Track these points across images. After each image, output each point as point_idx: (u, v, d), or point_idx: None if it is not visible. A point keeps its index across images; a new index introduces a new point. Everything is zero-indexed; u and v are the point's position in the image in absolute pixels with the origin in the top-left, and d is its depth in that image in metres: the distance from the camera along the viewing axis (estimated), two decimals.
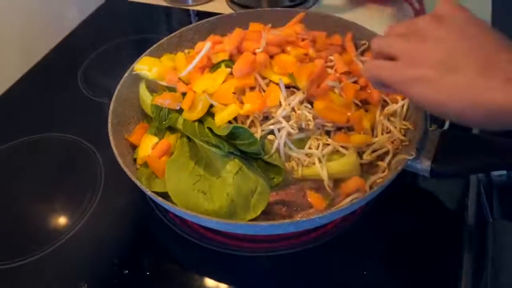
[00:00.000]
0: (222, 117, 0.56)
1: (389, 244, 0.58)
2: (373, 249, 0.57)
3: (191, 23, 0.96)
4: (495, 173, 0.71)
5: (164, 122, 0.60)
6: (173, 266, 0.57)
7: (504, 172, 0.70)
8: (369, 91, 0.62)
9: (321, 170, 0.55)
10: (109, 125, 0.60)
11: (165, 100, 0.60)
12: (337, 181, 0.57)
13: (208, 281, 0.55)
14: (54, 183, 0.67)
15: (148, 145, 0.60)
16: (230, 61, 0.61)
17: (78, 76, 0.85)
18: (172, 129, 0.61)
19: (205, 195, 0.53)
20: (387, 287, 0.54)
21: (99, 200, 0.64)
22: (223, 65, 0.61)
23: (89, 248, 0.59)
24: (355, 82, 0.63)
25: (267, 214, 0.54)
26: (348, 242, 0.58)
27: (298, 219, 0.51)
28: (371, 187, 0.56)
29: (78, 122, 0.75)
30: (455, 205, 0.61)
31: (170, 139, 0.59)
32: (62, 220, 0.63)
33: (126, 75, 0.66)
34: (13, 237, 0.61)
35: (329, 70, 0.63)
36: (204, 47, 0.63)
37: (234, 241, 0.58)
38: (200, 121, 0.58)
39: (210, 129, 0.56)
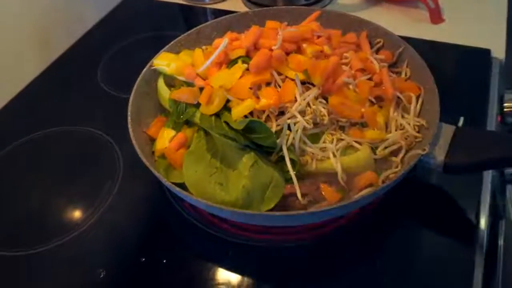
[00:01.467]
0: (238, 111, 0.57)
1: (401, 240, 0.58)
2: (385, 243, 0.58)
3: (207, 21, 0.98)
4: (508, 171, 0.71)
5: (181, 116, 0.61)
6: (188, 255, 0.58)
7: None
8: (383, 88, 0.63)
9: (335, 164, 0.56)
10: (129, 118, 0.61)
11: (183, 95, 0.61)
12: (350, 176, 0.57)
13: (222, 271, 0.56)
14: (74, 174, 0.69)
15: (166, 138, 0.61)
16: (247, 57, 0.63)
17: (98, 71, 0.87)
18: (189, 122, 0.62)
19: (222, 186, 0.54)
20: (398, 281, 0.55)
21: (117, 191, 0.66)
22: (240, 61, 0.62)
23: (107, 237, 0.61)
24: (369, 79, 0.64)
25: (281, 206, 0.55)
26: (360, 236, 0.59)
27: (312, 210, 0.52)
28: (384, 182, 0.56)
29: (97, 116, 0.77)
30: (468, 203, 0.61)
31: (187, 132, 0.61)
32: (81, 210, 0.65)
33: (145, 70, 0.68)
34: (34, 225, 0.63)
35: (344, 67, 0.64)
36: (222, 43, 0.64)
37: (249, 232, 0.59)
38: (217, 115, 0.59)
39: (227, 123, 0.58)
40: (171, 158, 0.59)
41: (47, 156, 0.73)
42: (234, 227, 0.60)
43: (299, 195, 0.55)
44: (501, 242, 0.67)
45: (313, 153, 0.58)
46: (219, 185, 0.54)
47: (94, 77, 0.85)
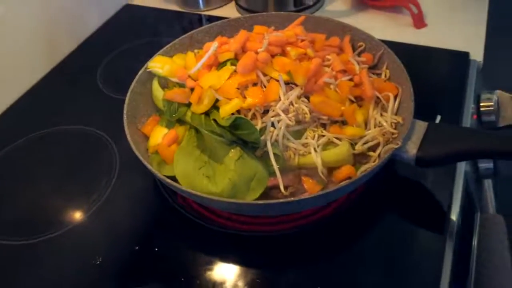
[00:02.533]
0: (226, 110, 0.61)
1: (378, 230, 0.62)
2: (363, 233, 0.62)
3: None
4: (482, 166, 0.75)
5: (174, 115, 0.66)
6: (179, 244, 0.62)
7: (491, 165, 0.74)
8: (363, 88, 0.67)
9: (316, 158, 0.60)
10: (124, 116, 0.65)
11: (175, 95, 0.66)
12: (330, 170, 0.62)
13: (210, 258, 0.60)
14: (73, 170, 0.74)
15: (159, 135, 0.66)
16: (235, 60, 0.67)
17: (97, 75, 0.91)
18: (181, 121, 0.66)
19: (209, 179, 0.58)
20: (369, 274, 0.58)
21: (114, 186, 0.70)
22: (228, 63, 0.67)
23: (104, 228, 0.65)
24: (350, 79, 0.68)
25: (265, 198, 0.59)
26: (341, 226, 0.62)
27: (292, 199, 0.56)
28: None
29: (96, 116, 0.82)
30: (441, 197, 0.65)
31: (179, 130, 0.65)
32: (80, 203, 0.68)
33: (140, 72, 0.72)
34: (35, 217, 0.68)
35: (326, 69, 0.68)
36: (212, 47, 0.68)
37: (237, 223, 0.63)
38: (207, 113, 0.64)
39: (215, 121, 0.62)
40: (163, 154, 0.63)
41: (48, 153, 0.77)
42: (221, 218, 0.64)
43: (281, 187, 0.59)
44: (474, 235, 0.71)
45: (295, 149, 0.62)
46: (206, 178, 0.58)
47: (94, 80, 0.90)
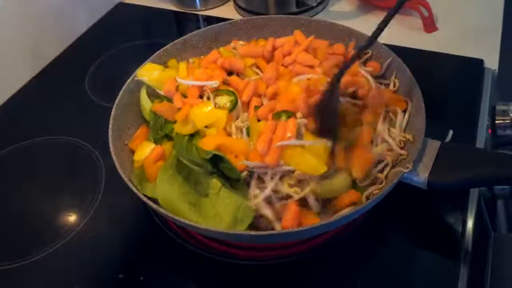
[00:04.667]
0: (206, 143, 0.56)
1: (384, 259, 0.57)
2: (367, 262, 0.57)
3: (199, 27, 0.97)
4: (497, 187, 0.70)
5: (160, 132, 0.61)
6: (167, 271, 0.57)
7: (507, 186, 0.69)
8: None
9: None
10: (110, 131, 0.60)
11: (163, 109, 0.61)
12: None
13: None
14: (56, 186, 0.69)
15: (146, 150, 0.61)
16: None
17: (86, 80, 0.86)
18: (169, 137, 0.62)
19: (194, 208, 0.53)
20: None
21: (99, 205, 0.65)
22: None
23: (87, 251, 0.61)
24: (354, 92, 0.63)
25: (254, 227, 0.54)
26: (342, 254, 0.58)
27: (281, 231, 0.51)
28: (368, 198, 0.55)
29: (83, 126, 0.77)
30: (454, 219, 0.60)
31: (167, 146, 0.60)
32: (61, 223, 0.64)
33: (128, 81, 0.67)
34: (12, 239, 0.63)
35: None
36: (212, 82, 0.63)
37: (231, 248, 0.58)
38: (192, 135, 0.59)
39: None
40: (148, 170, 0.58)
41: (30, 167, 0.72)
42: (215, 242, 0.59)
43: (276, 225, 0.53)
44: (489, 258, 0.66)
45: None
46: (192, 206, 0.53)
47: (82, 86, 0.85)
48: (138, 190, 0.55)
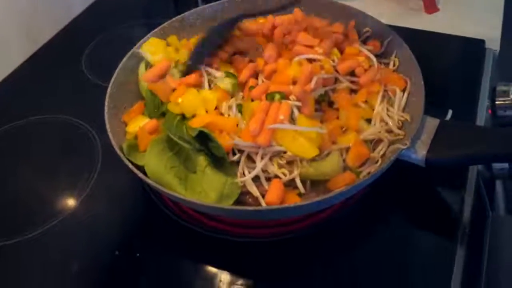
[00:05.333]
0: (194, 121, 0.56)
1: (381, 238, 0.57)
2: (364, 241, 0.57)
3: (197, 5, 0.96)
4: (496, 166, 0.70)
5: (156, 111, 0.61)
6: (164, 249, 0.57)
7: (506, 165, 0.68)
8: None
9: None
10: (106, 108, 0.60)
11: (159, 89, 0.61)
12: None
13: (199, 266, 0.55)
14: (53, 164, 0.69)
15: (140, 123, 0.60)
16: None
17: (82, 60, 0.85)
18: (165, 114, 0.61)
19: (180, 181, 0.53)
20: (377, 280, 0.53)
21: (95, 183, 0.65)
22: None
23: (83, 229, 0.60)
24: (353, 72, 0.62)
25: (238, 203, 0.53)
26: (338, 233, 0.57)
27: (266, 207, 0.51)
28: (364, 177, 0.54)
29: (79, 105, 0.76)
30: (452, 198, 0.59)
31: (162, 121, 0.59)
32: (57, 202, 0.64)
33: (124, 59, 0.66)
34: (8, 215, 0.63)
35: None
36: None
37: (226, 225, 0.58)
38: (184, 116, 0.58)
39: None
40: (141, 140, 0.57)
41: (26, 146, 0.72)
42: (213, 221, 0.58)
43: (262, 201, 0.53)
44: (486, 238, 0.66)
45: None
46: (178, 179, 0.53)
47: (78, 65, 0.84)
48: (129, 161, 0.55)
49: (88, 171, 0.66)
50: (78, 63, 0.85)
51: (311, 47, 0.64)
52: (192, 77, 0.61)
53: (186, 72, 0.62)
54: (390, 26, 0.82)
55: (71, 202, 0.63)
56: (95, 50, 0.88)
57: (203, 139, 0.55)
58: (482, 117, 0.69)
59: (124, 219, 0.61)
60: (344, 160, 0.55)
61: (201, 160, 0.54)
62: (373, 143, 0.57)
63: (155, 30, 0.71)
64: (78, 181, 0.65)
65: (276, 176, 0.53)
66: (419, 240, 0.56)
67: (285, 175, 0.53)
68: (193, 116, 0.58)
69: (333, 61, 0.62)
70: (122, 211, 0.62)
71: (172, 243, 0.58)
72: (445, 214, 0.58)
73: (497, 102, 0.72)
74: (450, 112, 0.61)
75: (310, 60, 0.62)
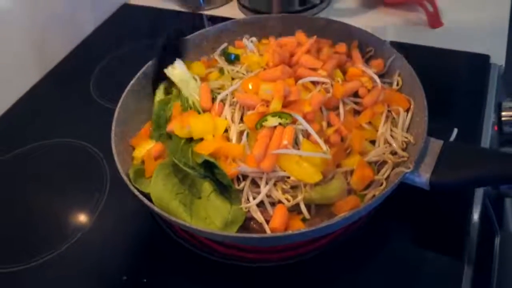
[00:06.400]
0: (202, 146, 0.56)
1: (388, 260, 0.57)
2: (371, 263, 0.57)
3: (204, 27, 0.97)
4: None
5: (161, 129, 0.62)
6: (171, 274, 0.58)
7: None
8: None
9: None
10: (112, 133, 0.61)
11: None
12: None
13: None
14: (61, 188, 0.70)
15: (146, 147, 0.61)
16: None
17: (91, 82, 0.87)
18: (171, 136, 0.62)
19: (185, 207, 0.53)
20: None
21: (103, 208, 0.66)
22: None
23: (91, 254, 0.61)
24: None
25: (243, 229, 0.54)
26: (345, 255, 0.57)
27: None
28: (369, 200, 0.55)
29: (88, 129, 0.77)
30: (459, 218, 0.59)
31: (168, 144, 0.61)
32: (66, 226, 0.64)
33: (131, 84, 0.67)
34: (17, 241, 0.64)
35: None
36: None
37: (235, 250, 0.58)
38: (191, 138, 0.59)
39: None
40: (147, 165, 0.58)
41: (36, 170, 0.73)
42: (221, 246, 0.59)
43: (266, 227, 0.53)
44: (495, 257, 0.65)
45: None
46: (183, 206, 0.53)
47: (87, 88, 0.85)
48: (135, 187, 0.55)
49: (96, 195, 0.67)
50: (87, 84, 0.86)
51: (314, 69, 0.64)
52: None
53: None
54: (394, 42, 0.82)
55: (79, 227, 0.64)
56: (104, 71, 0.89)
57: (208, 165, 0.55)
58: (487, 133, 0.68)
59: (132, 243, 0.62)
60: (348, 183, 0.55)
61: (206, 186, 0.54)
62: (378, 164, 0.57)
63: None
64: (86, 206, 0.66)
65: (280, 201, 0.54)
66: (426, 261, 0.56)
67: (288, 200, 0.53)
68: (200, 139, 0.58)
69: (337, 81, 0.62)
70: (129, 236, 0.63)
71: (179, 268, 0.58)
72: (452, 235, 0.58)
73: (503, 118, 0.72)
74: (455, 131, 0.60)
75: (314, 83, 0.62)
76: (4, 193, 0.71)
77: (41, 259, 0.61)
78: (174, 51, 0.71)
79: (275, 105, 0.56)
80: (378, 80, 0.64)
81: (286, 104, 0.58)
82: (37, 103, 0.85)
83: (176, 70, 0.68)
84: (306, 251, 0.57)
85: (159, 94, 0.69)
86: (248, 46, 0.72)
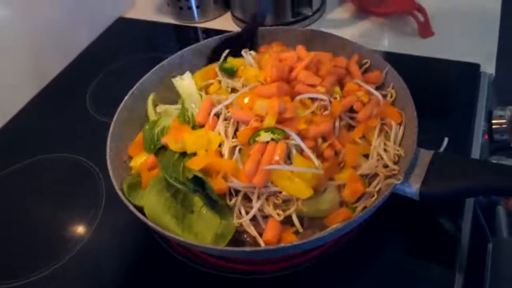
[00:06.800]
0: (194, 162, 0.57)
1: (379, 269, 0.57)
2: (362, 273, 0.57)
3: (198, 40, 0.98)
4: None
5: (152, 147, 0.63)
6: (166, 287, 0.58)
7: None
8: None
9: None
10: (108, 149, 0.61)
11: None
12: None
13: None
14: (58, 203, 0.70)
15: (143, 157, 0.63)
16: None
17: (87, 96, 0.88)
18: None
19: (177, 221, 0.54)
20: None
21: (99, 222, 0.66)
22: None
23: (87, 270, 0.62)
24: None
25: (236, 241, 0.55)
26: (337, 265, 0.58)
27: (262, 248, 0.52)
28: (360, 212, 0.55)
29: (84, 143, 0.78)
30: (449, 227, 0.60)
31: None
32: (62, 241, 0.65)
33: (125, 99, 0.68)
34: (13, 258, 0.65)
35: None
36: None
37: (231, 263, 0.59)
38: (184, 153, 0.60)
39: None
40: (143, 176, 0.59)
41: (33, 185, 0.74)
42: (215, 258, 0.60)
43: (260, 241, 0.54)
44: (487, 264, 0.66)
45: None
46: (175, 220, 0.54)
47: (84, 103, 0.86)
48: (129, 201, 0.56)
49: (92, 210, 0.68)
50: (83, 99, 0.87)
51: (313, 85, 0.63)
52: None
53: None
54: (385, 52, 0.83)
55: (75, 241, 0.64)
56: (100, 86, 0.90)
57: (199, 180, 0.56)
58: (478, 142, 0.69)
59: (128, 258, 0.63)
60: (340, 196, 0.56)
61: (197, 201, 0.55)
62: (369, 177, 0.58)
63: (155, 68, 0.73)
64: (83, 221, 0.67)
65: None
66: (417, 271, 0.57)
67: (279, 215, 0.54)
68: (194, 154, 0.59)
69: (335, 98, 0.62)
70: (125, 250, 0.63)
71: (175, 281, 0.59)
72: (443, 244, 0.59)
73: (493, 127, 0.73)
74: (446, 140, 0.61)
75: (313, 99, 0.62)
76: (0, 209, 0.71)
77: (40, 274, 0.61)
78: (250, 38, 0.73)
79: (269, 121, 0.56)
80: (377, 94, 0.64)
81: (282, 120, 0.58)
82: (34, 118, 0.86)
83: (184, 82, 0.70)
84: (299, 262, 0.58)
85: (150, 110, 0.69)
86: (246, 59, 0.72)
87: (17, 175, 0.75)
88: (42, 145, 0.79)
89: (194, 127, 0.63)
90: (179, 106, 0.69)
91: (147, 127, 0.66)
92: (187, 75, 0.71)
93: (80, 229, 0.66)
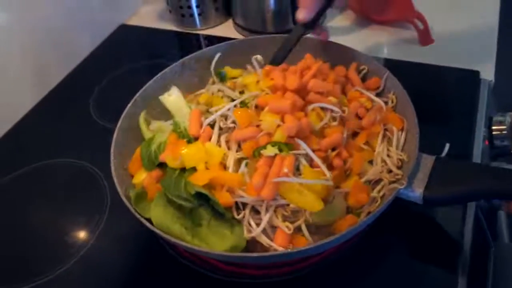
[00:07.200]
0: (197, 178, 0.56)
1: (382, 274, 0.58)
2: (366, 275, 0.58)
3: (201, 47, 0.99)
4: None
5: (151, 165, 0.62)
6: None
7: None
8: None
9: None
10: (112, 156, 0.62)
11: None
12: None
13: None
14: (62, 208, 0.71)
15: (143, 174, 0.62)
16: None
17: (91, 103, 0.88)
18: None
19: (187, 231, 0.54)
20: None
21: (103, 227, 0.67)
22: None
23: (91, 275, 0.62)
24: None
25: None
26: (341, 270, 0.58)
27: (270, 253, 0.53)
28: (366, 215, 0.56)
29: (88, 149, 0.78)
30: (452, 232, 0.61)
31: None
32: (66, 246, 0.65)
33: (128, 107, 0.68)
34: (17, 262, 0.65)
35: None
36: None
37: (238, 268, 0.59)
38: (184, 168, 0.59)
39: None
40: (149, 190, 0.59)
41: (37, 191, 0.74)
42: (221, 262, 0.60)
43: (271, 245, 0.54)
44: (490, 269, 0.66)
45: None
46: (184, 229, 0.54)
47: (87, 109, 0.87)
48: (136, 211, 0.56)
49: (97, 215, 0.68)
50: (86, 105, 0.87)
51: (322, 93, 0.62)
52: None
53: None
54: (385, 59, 0.84)
55: (79, 247, 0.65)
56: (103, 92, 0.90)
57: (203, 195, 0.55)
58: (479, 147, 0.70)
59: (133, 263, 0.63)
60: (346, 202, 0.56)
61: (204, 214, 0.55)
62: (373, 182, 0.58)
63: (156, 76, 0.73)
64: (87, 226, 0.67)
65: None
66: (419, 275, 0.57)
67: (289, 228, 0.53)
68: (193, 168, 0.58)
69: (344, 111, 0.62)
70: (130, 256, 0.64)
71: (180, 286, 0.59)
72: (445, 248, 0.59)
73: (494, 133, 0.73)
74: (447, 146, 0.62)
75: (324, 109, 0.61)
76: (5, 214, 0.72)
77: (45, 278, 0.61)
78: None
79: (279, 137, 0.55)
80: (379, 100, 0.65)
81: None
82: (38, 124, 0.86)
83: (172, 97, 0.70)
84: (301, 267, 0.59)
85: (143, 128, 0.69)
86: (255, 66, 0.71)
87: (22, 180, 0.76)
88: (46, 150, 0.80)
89: (190, 141, 0.62)
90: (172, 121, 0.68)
91: (143, 145, 0.65)
92: (174, 90, 0.71)
93: (85, 234, 0.66)
